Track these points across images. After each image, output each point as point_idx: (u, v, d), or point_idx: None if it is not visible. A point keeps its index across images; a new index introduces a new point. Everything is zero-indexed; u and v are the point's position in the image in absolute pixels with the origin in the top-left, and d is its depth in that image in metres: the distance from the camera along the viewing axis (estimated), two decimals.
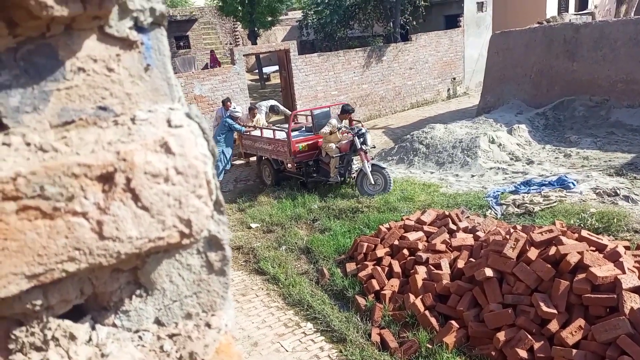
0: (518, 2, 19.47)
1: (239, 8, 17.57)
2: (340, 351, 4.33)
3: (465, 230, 5.60)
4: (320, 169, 8.43)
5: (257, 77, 21.32)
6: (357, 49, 14.49)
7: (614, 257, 3.96)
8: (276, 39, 23.50)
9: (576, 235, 4.43)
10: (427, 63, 15.88)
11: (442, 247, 5.20)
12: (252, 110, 9.77)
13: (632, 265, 3.98)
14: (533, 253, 4.16)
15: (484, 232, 5.47)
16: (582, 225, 5.55)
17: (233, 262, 6.30)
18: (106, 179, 0.48)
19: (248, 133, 9.29)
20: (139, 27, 0.50)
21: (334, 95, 13.84)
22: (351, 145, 7.92)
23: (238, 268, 6.12)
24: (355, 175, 8.17)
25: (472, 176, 7.66)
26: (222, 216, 0.56)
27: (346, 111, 8.20)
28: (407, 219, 6.07)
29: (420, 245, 5.28)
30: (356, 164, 8.35)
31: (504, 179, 7.92)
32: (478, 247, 4.92)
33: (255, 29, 18.68)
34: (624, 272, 3.74)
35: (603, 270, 3.75)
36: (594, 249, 4.17)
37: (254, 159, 9.92)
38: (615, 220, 5.56)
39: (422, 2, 16.11)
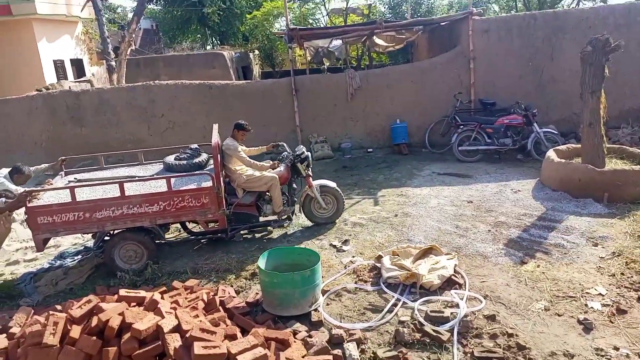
0: (12, 69, 18.52)
1: None
2: None
3: None
4: (240, 216, 6.58)
5: None
6: None
7: (152, 306, 4.20)
8: None
9: (116, 296, 4.46)
10: None
11: None
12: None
13: (169, 307, 4.35)
14: (75, 331, 3.87)
15: (20, 326, 4.70)
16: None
17: None
18: None
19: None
20: None
21: None
22: (293, 172, 6.89)
23: None
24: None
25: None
26: None
27: (241, 127, 6.52)
28: None
29: None
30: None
31: (34, 258, 7.11)
32: (14, 348, 4.16)
33: None
34: (163, 317, 4.02)
35: (145, 322, 3.90)
36: (135, 304, 4.30)
37: None
38: None
39: None
